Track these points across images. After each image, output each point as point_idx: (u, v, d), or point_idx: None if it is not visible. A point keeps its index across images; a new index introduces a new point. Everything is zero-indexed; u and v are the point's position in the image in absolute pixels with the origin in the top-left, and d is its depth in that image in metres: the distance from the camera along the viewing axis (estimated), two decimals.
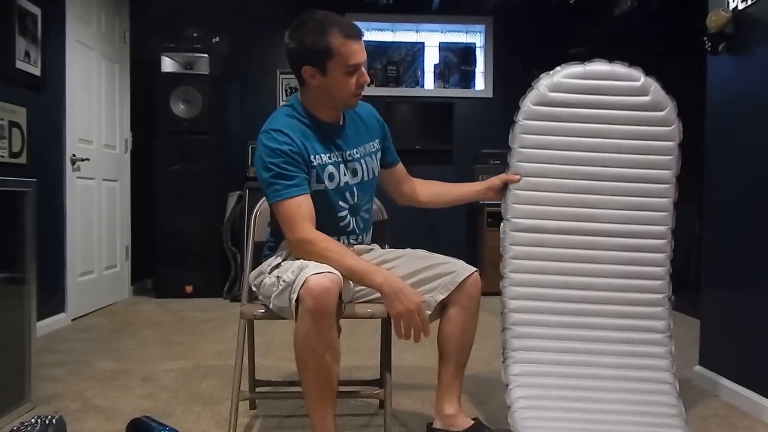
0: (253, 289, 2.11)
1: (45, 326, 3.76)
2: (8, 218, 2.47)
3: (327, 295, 1.71)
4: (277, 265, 1.96)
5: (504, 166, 2.16)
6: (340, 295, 1.77)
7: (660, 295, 2.02)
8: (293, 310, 1.78)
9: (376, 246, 2.24)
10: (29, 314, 2.50)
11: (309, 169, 1.96)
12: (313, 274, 1.73)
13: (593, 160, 2.02)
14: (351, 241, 2.11)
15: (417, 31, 6.07)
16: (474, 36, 6.08)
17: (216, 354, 3.38)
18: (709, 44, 2.67)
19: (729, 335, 2.68)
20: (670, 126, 2.03)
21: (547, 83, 2.03)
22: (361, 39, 1.93)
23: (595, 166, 2.02)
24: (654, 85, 2.03)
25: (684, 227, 4.91)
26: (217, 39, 5.25)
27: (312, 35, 1.89)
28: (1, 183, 2.44)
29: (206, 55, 5.15)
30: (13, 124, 3.49)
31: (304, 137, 1.96)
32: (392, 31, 6.05)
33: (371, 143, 2.15)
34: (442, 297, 1.99)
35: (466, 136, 5.69)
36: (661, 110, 2.02)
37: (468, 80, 5.96)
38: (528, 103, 2.04)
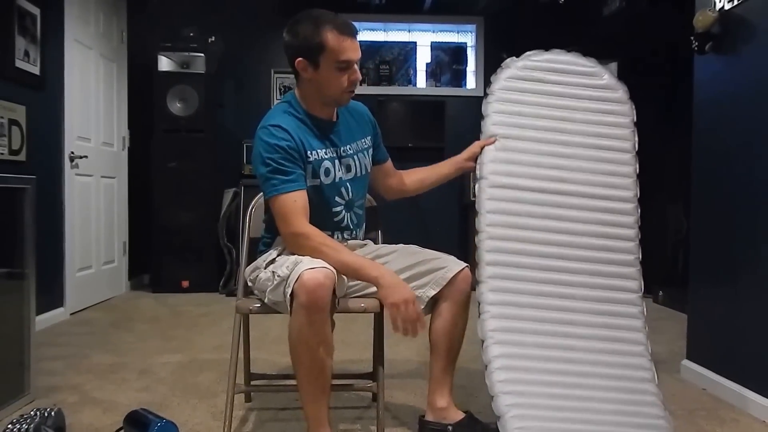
0: (249, 283, 2.13)
1: (44, 320, 3.79)
2: (8, 214, 2.49)
3: (321, 290, 1.73)
4: (272, 261, 1.99)
5: None
6: (333, 290, 1.80)
7: (631, 256, 2.07)
8: (288, 305, 1.80)
9: (369, 242, 2.28)
10: (28, 309, 2.51)
11: (305, 164, 1.99)
12: (307, 269, 1.75)
13: (561, 129, 2.14)
14: (345, 236, 2.13)
15: (409, 31, 6.12)
16: (465, 36, 6.13)
17: (212, 348, 3.40)
18: (696, 44, 2.69)
19: (716, 330, 2.71)
20: (625, 104, 2.18)
21: (517, 64, 2.18)
22: (355, 37, 1.97)
23: (563, 134, 2.13)
24: (607, 72, 2.20)
25: (672, 225, 4.99)
26: (213, 39, 5.29)
27: (307, 29, 1.94)
28: (1, 180, 2.46)
29: (202, 55, 5.18)
30: (12, 122, 3.52)
31: (301, 133, 1.99)
32: (385, 30, 6.09)
33: (363, 140, 2.18)
34: (434, 292, 2.03)
35: (457, 133, 5.70)
36: (616, 91, 2.18)
37: (459, 79, 6.00)
38: (500, 78, 2.17)
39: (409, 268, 2.07)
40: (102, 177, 4.80)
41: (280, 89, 5.83)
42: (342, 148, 2.09)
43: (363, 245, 2.22)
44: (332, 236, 2.05)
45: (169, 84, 5.12)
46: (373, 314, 2.12)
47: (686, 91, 2.98)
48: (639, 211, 2.12)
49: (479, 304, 1.99)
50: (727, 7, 2.58)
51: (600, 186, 2.10)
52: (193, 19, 5.42)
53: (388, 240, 2.35)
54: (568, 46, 2.24)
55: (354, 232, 2.17)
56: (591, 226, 2.07)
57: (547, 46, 2.22)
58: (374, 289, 2.08)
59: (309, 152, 2.00)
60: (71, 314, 4.25)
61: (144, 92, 5.24)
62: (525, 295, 1.99)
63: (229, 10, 5.68)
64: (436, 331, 2.06)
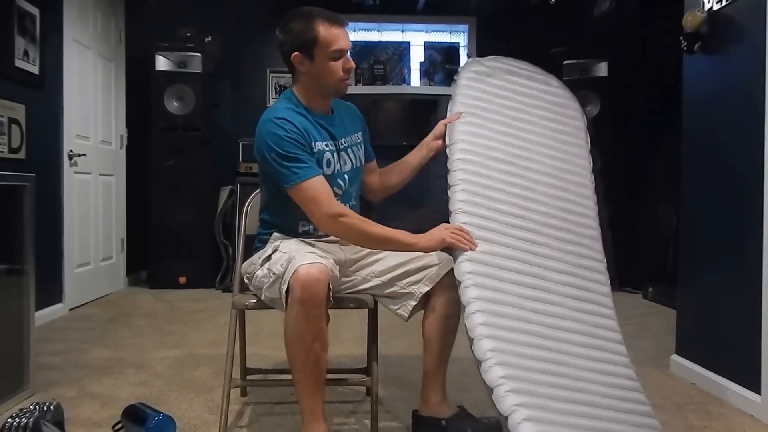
0: (245, 280, 2.15)
1: (43, 316, 3.81)
2: (7, 212, 2.51)
3: (316, 285, 1.76)
4: (268, 257, 2.01)
5: None
6: (329, 285, 1.82)
7: (589, 218, 2.16)
8: (283, 302, 1.83)
9: None
10: (28, 304, 2.53)
11: (312, 155, 2.03)
12: (302, 265, 1.78)
13: (524, 119, 2.25)
14: None
15: (403, 31, 6.18)
16: (458, 36, 6.18)
17: (208, 343, 3.43)
18: (685, 44, 2.71)
19: (704, 325, 2.74)
20: (574, 102, 2.38)
21: (481, 60, 2.37)
22: (344, 26, 2.03)
23: (525, 123, 2.24)
24: (553, 77, 2.41)
25: (662, 223, 5.02)
26: (210, 39, 5.31)
27: (299, 25, 2.00)
28: (1, 178, 2.49)
29: (199, 54, 5.21)
30: (12, 120, 3.54)
31: (304, 126, 2.03)
32: (379, 31, 6.15)
33: (356, 135, 2.23)
34: (427, 289, 2.06)
35: None
36: (566, 91, 2.39)
37: (452, 78, 6.00)
38: (466, 69, 2.34)
39: (402, 265, 2.10)
40: (100, 175, 4.83)
41: (275, 88, 5.87)
42: (339, 141, 2.14)
43: None
44: None
45: (166, 83, 5.15)
46: (367, 310, 2.15)
47: (675, 91, 3.00)
48: (595, 185, 2.22)
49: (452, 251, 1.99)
50: (716, 7, 2.60)
51: (558, 161, 2.21)
52: (190, 19, 5.44)
53: None
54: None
55: None
56: (552, 191, 2.14)
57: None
58: (367, 285, 2.13)
59: (313, 143, 2.04)
60: (70, 310, 4.27)
61: (142, 91, 5.26)
62: (499, 246, 1.96)
63: (225, 10, 5.69)
64: (429, 326, 2.08)
